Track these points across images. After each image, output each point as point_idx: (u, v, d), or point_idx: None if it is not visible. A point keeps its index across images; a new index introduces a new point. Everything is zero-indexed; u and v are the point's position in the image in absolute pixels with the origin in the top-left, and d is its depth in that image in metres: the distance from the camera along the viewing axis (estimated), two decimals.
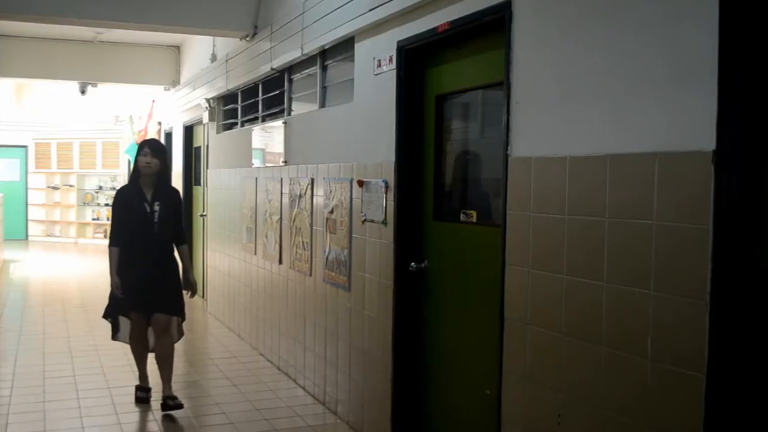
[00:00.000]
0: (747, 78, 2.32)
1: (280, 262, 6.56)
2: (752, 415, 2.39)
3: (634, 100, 2.69)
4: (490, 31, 3.61)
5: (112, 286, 5.40)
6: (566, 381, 3.02)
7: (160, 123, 13.21)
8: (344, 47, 5.28)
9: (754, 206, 2.35)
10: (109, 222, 6.23)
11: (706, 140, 2.39)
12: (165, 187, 5.54)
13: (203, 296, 9.64)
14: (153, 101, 13.34)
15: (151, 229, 5.34)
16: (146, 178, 5.39)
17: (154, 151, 5.40)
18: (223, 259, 8.61)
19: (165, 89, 12.24)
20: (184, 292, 5.64)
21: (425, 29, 4.06)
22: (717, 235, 2.36)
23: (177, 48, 11.80)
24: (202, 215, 9.87)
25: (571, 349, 2.98)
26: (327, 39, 5.36)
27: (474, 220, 3.93)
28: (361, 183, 4.82)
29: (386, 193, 4.50)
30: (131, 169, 5.35)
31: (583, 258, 2.92)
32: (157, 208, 5.35)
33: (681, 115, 2.50)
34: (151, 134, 13.63)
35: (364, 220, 4.80)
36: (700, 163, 2.41)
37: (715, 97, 2.36)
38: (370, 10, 4.58)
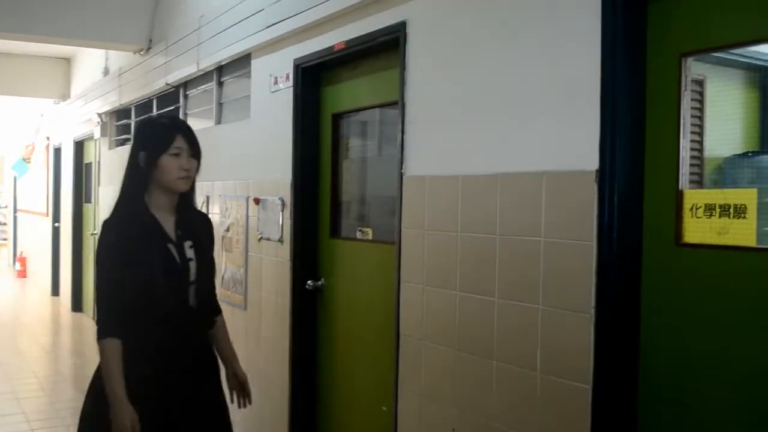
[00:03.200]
0: (626, 101, 2.44)
1: None
2: (636, 423, 2.49)
3: (524, 121, 2.78)
4: (386, 50, 3.67)
5: (114, 419, 2.47)
6: (460, 395, 3.07)
7: (48, 138, 12.72)
8: (241, 63, 5.24)
9: (633, 223, 2.46)
10: (96, 284, 2.70)
11: (590, 160, 2.49)
12: (192, 212, 2.84)
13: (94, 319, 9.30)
14: (41, 115, 12.84)
15: (184, 293, 2.69)
16: (165, 198, 2.69)
17: (193, 145, 2.70)
18: None
19: (55, 103, 11.80)
20: (232, 400, 2.99)
21: (322, 48, 4.08)
22: (600, 250, 2.46)
23: (67, 60, 11.39)
24: (93, 234, 9.54)
25: (465, 364, 3.04)
26: (223, 55, 5.31)
27: (370, 237, 3.96)
28: (257, 201, 4.78)
29: (283, 210, 4.48)
30: (129, 181, 2.67)
31: (475, 274, 2.98)
32: (190, 251, 2.72)
33: (567, 136, 2.59)
34: (40, 150, 13.05)
35: (261, 238, 4.76)
36: (584, 182, 2.50)
37: (598, 119, 2.46)
38: (267, 28, 4.57)
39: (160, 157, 2.60)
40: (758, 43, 2.34)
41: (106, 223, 2.62)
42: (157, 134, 2.66)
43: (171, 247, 2.65)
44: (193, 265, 2.69)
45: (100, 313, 2.57)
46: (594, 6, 2.47)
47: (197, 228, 2.79)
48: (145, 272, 2.55)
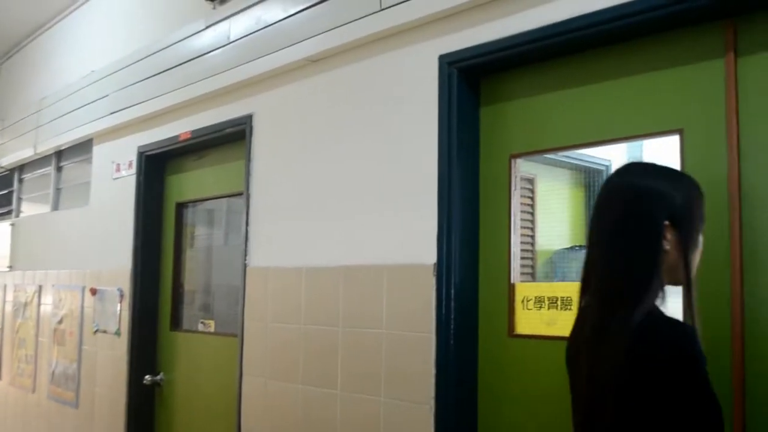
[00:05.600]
0: (462, 198, 2.55)
1: None
2: None
3: (367, 215, 2.84)
4: (233, 142, 3.68)
5: None
6: None
7: None
8: (82, 149, 5.08)
9: (469, 315, 2.55)
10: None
11: (429, 254, 2.57)
12: None
13: None
14: None
15: None
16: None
17: None
18: None
19: None
20: None
21: (167, 136, 4.03)
22: (439, 341, 2.52)
23: None
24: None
25: None
26: (63, 139, 5.13)
27: (212, 329, 3.86)
28: (94, 291, 4.57)
29: (121, 301, 4.30)
30: (654, 267, 1.59)
31: (318, 367, 2.96)
32: None
33: (407, 231, 2.67)
34: None
35: (96, 331, 4.52)
36: (423, 275, 2.57)
37: (435, 215, 2.56)
38: (111, 114, 4.48)
39: (699, 234, 1.68)
40: (582, 146, 2.53)
41: (679, 329, 1.54)
42: (699, 200, 1.70)
43: None
44: None
45: None
46: (432, 107, 2.61)
47: None
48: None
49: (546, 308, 2.44)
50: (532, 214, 3.21)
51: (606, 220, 1.69)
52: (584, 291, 1.78)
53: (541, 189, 3.26)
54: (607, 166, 3.68)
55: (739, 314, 1.95)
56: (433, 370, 2.52)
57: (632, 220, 1.64)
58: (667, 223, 1.60)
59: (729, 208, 2.00)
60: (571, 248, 3.47)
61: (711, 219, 2.02)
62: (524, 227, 2.98)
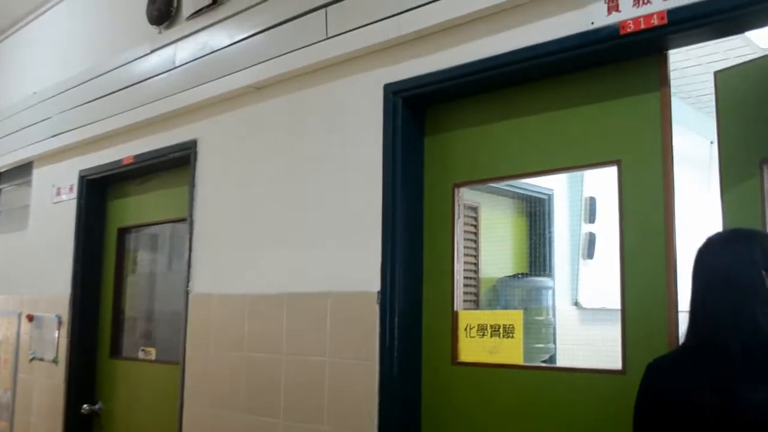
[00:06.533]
0: (406, 226, 2.57)
1: None
2: None
3: (311, 243, 2.83)
4: (177, 167, 3.64)
5: None
6: None
7: None
8: (22, 171, 4.96)
9: (413, 343, 2.55)
10: None
11: (373, 282, 2.57)
12: None
13: None
14: None
15: None
16: None
17: None
18: None
19: None
20: None
21: (110, 161, 3.97)
22: (382, 369, 2.51)
23: None
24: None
25: None
26: (2, 162, 5.00)
27: (153, 357, 3.79)
28: (31, 318, 4.45)
29: (59, 328, 4.19)
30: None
31: (261, 396, 2.93)
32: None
33: (351, 258, 2.67)
34: None
35: (33, 358, 4.40)
36: (367, 303, 2.57)
37: (379, 243, 2.57)
38: (52, 137, 4.40)
39: None
40: (524, 176, 2.58)
41: None
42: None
43: None
44: None
45: None
46: (377, 136, 2.63)
47: None
48: None
49: (488, 336, 2.46)
50: (476, 242, 3.25)
51: None
52: None
53: (485, 217, 3.31)
54: (549, 195, 3.77)
55: (675, 330, 2.01)
56: (376, 398, 2.51)
57: None
58: None
59: (664, 236, 2.06)
60: (514, 276, 3.52)
61: (648, 245, 2.08)
62: (468, 255, 3.01)
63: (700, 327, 1.71)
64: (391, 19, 2.58)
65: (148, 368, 3.80)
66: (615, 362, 2.13)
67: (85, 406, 4.00)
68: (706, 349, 1.68)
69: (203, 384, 3.19)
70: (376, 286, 2.56)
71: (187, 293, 3.33)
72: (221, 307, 3.16)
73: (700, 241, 1.78)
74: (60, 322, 4.19)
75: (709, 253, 1.76)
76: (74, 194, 4.25)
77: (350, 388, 2.61)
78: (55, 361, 4.20)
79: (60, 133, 4.32)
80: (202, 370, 3.21)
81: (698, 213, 2.98)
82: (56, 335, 4.21)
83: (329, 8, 2.80)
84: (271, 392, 2.88)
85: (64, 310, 4.17)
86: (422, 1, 2.50)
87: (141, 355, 3.87)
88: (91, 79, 4.11)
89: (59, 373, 4.15)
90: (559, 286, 3.88)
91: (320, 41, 2.82)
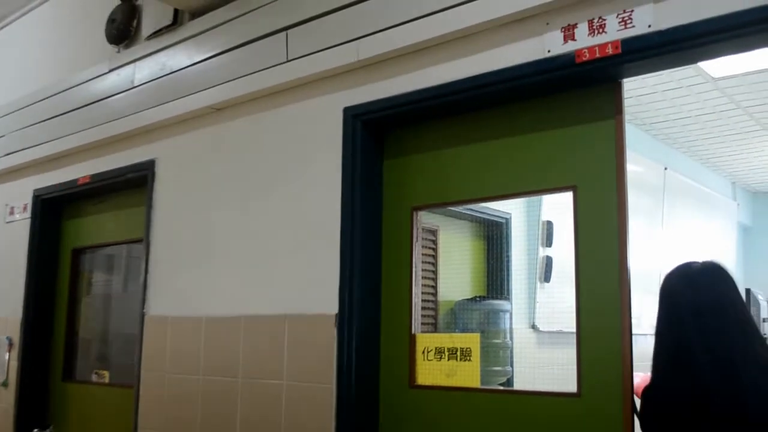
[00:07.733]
0: (364, 249, 2.57)
1: None
2: None
3: (269, 265, 2.82)
4: (134, 187, 3.60)
5: None
6: None
7: None
8: None
9: (371, 365, 2.55)
10: None
11: (331, 304, 2.56)
12: None
13: None
14: None
15: None
16: None
17: None
18: None
19: None
20: None
21: (65, 180, 3.92)
22: (340, 393, 2.50)
23: None
24: None
25: None
26: None
27: (107, 380, 3.73)
28: None
29: (10, 351, 4.10)
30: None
31: (217, 420, 2.89)
32: None
33: (309, 281, 2.67)
34: None
35: None
36: (324, 326, 2.57)
37: (338, 265, 2.56)
38: (6, 155, 4.33)
39: None
40: (482, 200, 2.60)
41: None
42: None
43: None
44: None
45: None
46: (336, 159, 2.63)
47: None
48: None
49: (446, 359, 2.47)
50: (435, 264, 3.26)
51: None
52: None
53: (444, 240, 3.33)
54: (507, 219, 3.80)
55: (629, 353, 2.04)
56: (333, 422, 2.50)
57: None
58: None
59: (618, 259, 2.09)
60: (473, 299, 3.54)
61: (602, 269, 2.11)
62: (427, 278, 3.03)
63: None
64: (351, 43, 2.60)
65: (101, 391, 3.73)
66: (571, 385, 2.15)
67: (35, 430, 3.91)
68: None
69: (158, 408, 3.14)
70: (333, 308, 2.55)
71: (142, 315, 3.29)
72: (177, 329, 3.12)
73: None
74: (11, 344, 4.10)
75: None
76: (28, 213, 4.17)
77: (307, 412, 2.59)
78: (5, 384, 4.11)
79: (14, 152, 4.26)
80: (156, 394, 3.16)
81: (651, 236, 3.04)
82: (6, 357, 4.11)
83: (290, 31, 2.81)
84: (228, 417, 2.85)
85: (15, 331, 4.09)
86: (380, 26, 2.52)
87: (94, 378, 3.80)
88: (48, 97, 4.06)
89: (9, 396, 4.05)
90: (516, 309, 3.90)
91: (280, 64, 2.82)
